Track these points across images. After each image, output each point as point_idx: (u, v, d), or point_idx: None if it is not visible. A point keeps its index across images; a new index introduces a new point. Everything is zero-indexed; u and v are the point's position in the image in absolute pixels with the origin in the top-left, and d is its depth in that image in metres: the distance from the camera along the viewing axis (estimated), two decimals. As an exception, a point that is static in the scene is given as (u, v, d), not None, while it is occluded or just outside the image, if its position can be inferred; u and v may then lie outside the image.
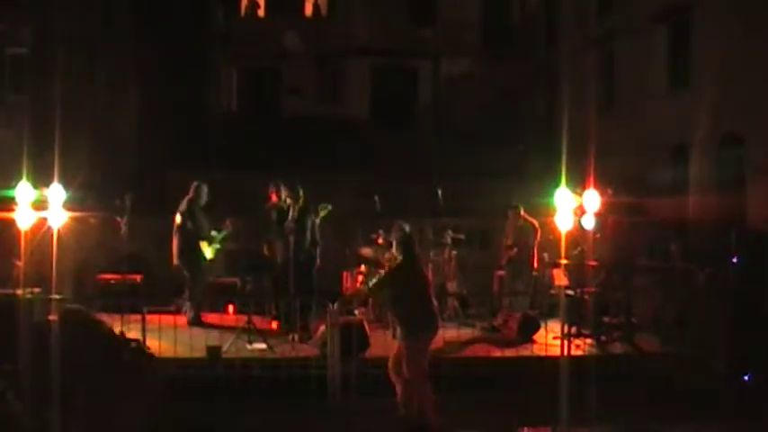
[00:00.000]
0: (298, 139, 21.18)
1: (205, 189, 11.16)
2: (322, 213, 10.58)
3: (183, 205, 11.03)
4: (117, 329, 9.02)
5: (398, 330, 7.93)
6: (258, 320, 10.33)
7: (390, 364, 7.85)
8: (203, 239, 10.97)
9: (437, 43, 25.51)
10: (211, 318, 11.03)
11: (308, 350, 9.51)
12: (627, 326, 10.46)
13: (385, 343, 9.08)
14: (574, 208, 8.17)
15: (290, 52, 25.06)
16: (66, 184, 7.74)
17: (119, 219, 10.22)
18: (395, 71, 25.80)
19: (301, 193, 10.64)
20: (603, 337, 10.30)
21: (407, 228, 8.26)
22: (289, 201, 10.59)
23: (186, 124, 19.28)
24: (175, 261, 11.05)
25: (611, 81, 21.38)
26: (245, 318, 10.08)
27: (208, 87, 22.82)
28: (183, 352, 9.06)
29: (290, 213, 10.56)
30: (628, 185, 11.74)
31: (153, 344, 8.87)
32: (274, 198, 11.06)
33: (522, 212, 11.63)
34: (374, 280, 9.01)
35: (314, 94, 25.66)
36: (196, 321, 10.90)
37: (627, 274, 10.63)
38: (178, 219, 10.93)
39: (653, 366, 9.36)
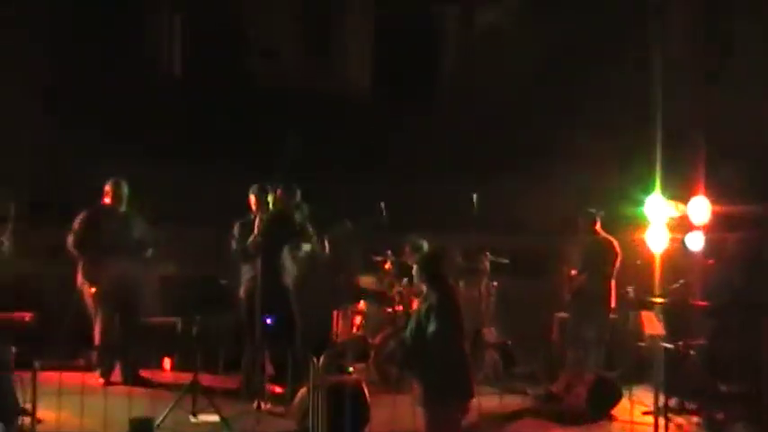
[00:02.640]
0: (272, 120, 21.21)
1: (125, 188, 11.42)
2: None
3: (86, 212, 11.29)
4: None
5: (418, 393, 7.90)
6: (208, 380, 10.55)
7: None
8: (108, 257, 11.10)
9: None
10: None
11: (281, 424, 9.69)
12: (755, 396, 10.35)
13: (394, 414, 8.94)
14: (673, 221, 7.98)
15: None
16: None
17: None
18: (408, 22, 25.81)
19: (271, 197, 11.00)
20: (720, 414, 10.24)
21: (426, 246, 8.15)
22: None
23: (111, 95, 19.32)
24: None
25: (729, 31, 21.27)
26: (188, 376, 10.17)
27: (141, 44, 22.91)
28: (93, 426, 8.97)
29: (257, 224, 10.73)
30: (754, 189, 11.61)
31: (47, 415, 8.98)
32: (254, 206, 11.22)
33: (597, 224, 11.50)
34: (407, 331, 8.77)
35: (297, 56, 25.75)
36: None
37: (753, 320, 10.49)
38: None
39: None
